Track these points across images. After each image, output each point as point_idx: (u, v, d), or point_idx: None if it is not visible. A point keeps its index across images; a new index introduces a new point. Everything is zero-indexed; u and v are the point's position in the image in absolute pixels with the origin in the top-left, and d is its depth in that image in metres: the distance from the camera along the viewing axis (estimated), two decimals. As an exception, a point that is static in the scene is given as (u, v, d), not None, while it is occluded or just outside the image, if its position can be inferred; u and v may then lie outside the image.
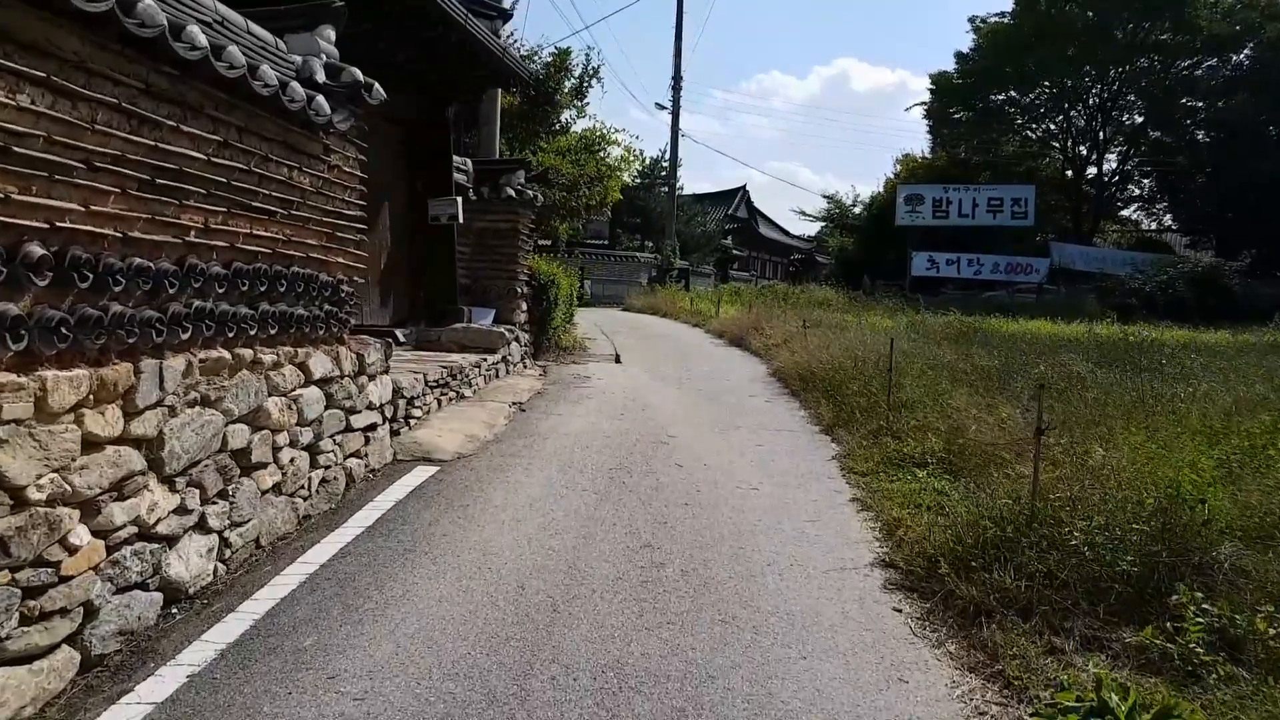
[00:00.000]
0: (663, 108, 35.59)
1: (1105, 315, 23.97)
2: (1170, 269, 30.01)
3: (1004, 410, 6.97)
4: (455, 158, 10.50)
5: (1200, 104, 38.45)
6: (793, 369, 10.81)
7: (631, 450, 6.88)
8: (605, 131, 17.85)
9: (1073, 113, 41.34)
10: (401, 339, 6.38)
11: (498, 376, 9.62)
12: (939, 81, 42.47)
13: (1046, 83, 40.24)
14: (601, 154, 17.62)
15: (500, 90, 12.66)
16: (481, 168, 11.02)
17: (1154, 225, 44.61)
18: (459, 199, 9.84)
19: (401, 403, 6.64)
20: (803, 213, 46.70)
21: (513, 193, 10.72)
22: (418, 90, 9.40)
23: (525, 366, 10.88)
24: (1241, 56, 37.55)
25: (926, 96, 44.38)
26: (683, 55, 34.17)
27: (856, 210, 45.54)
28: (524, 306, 11.21)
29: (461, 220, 9.89)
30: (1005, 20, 39.88)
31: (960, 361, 9.60)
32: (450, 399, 7.91)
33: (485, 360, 9.32)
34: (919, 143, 65.97)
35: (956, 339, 12.51)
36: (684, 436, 7.52)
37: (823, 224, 49.70)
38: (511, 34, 15.55)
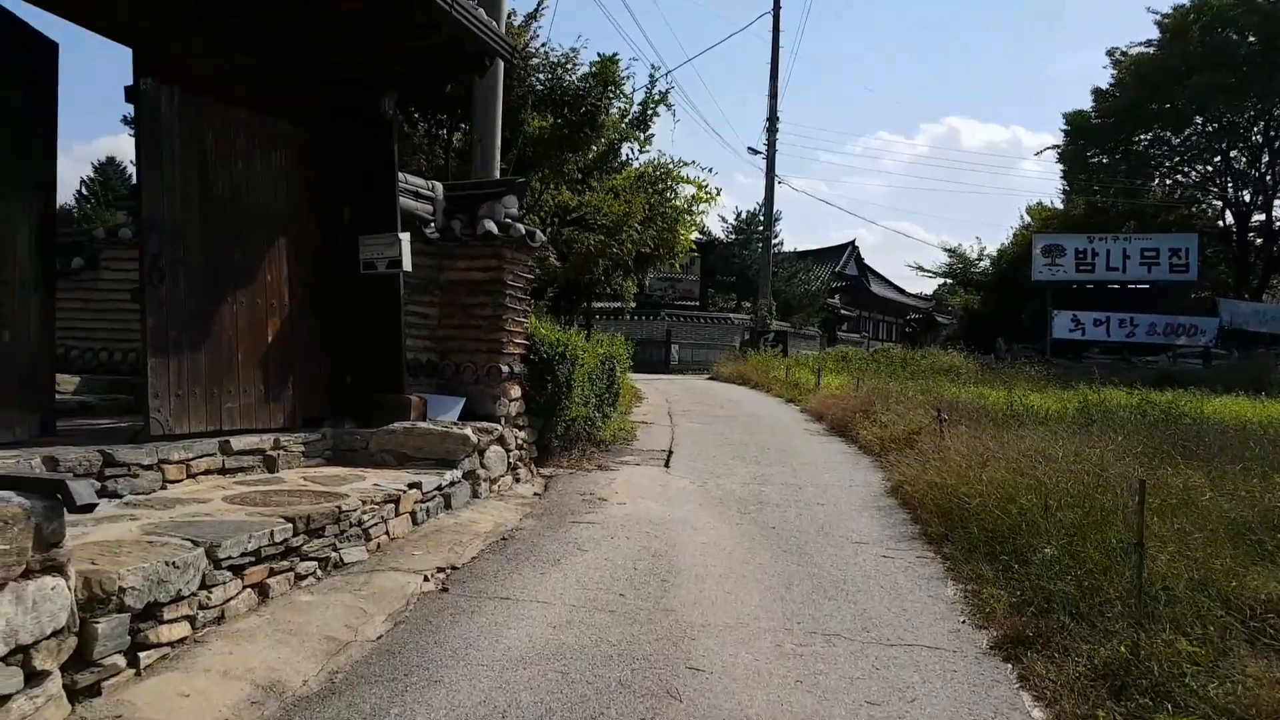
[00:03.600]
0: (756, 152, 32.08)
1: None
2: (1381, 330, 24.41)
3: None
4: (409, 178, 7.27)
5: (1397, 136, 32.47)
6: (926, 490, 6.92)
7: (595, 725, 3.22)
8: (671, 166, 14.50)
9: (1232, 153, 35.89)
10: (82, 498, 2.94)
11: (448, 507, 6.12)
12: (1074, 122, 37.78)
13: (1200, 120, 35.05)
14: (667, 192, 14.25)
15: (500, 94, 9.46)
16: (454, 194, 7.74)
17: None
18: (405, 236, 6.53)
19: (110, 626, 3.19)
20: (920, 268, 42.43)
21: (494, 228, 7.35)
22: (325, 73, 6.20)
23: (515, 480, 7.37)
24: None
25: (1044, 149, 39.71)
26: (778, 96, 30.85)
27: (982, 265, 40.80)
28: (514, 392, 7.73)
29: (408, 266, 6.56)
30: (1150, 50, 34.96)
31: (1219, 493, 5.55)
32: (303, 577, 4.43)
33: (426, 482, 5.84)
34: (1041, 197, 60.74)
35: (1169, 434, 8.31)
36: (720, 667, 3.81)
37: (943, 280, 45.11)
38: (534, 33, 12.48)
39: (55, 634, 2.97)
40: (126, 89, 5.08)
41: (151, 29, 5.00)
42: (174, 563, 3.53)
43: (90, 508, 3.06)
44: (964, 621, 4.56)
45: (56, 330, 9.17)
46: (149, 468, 4.81)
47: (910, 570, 5.52)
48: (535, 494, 7.26)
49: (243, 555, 3.97)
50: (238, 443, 5.52)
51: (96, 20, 4.76)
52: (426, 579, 4.82)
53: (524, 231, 7.48)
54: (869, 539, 6.27)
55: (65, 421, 6.03)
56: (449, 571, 5.02)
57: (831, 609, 4.70)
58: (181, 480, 5.07)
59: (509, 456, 7.20)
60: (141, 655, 3.35)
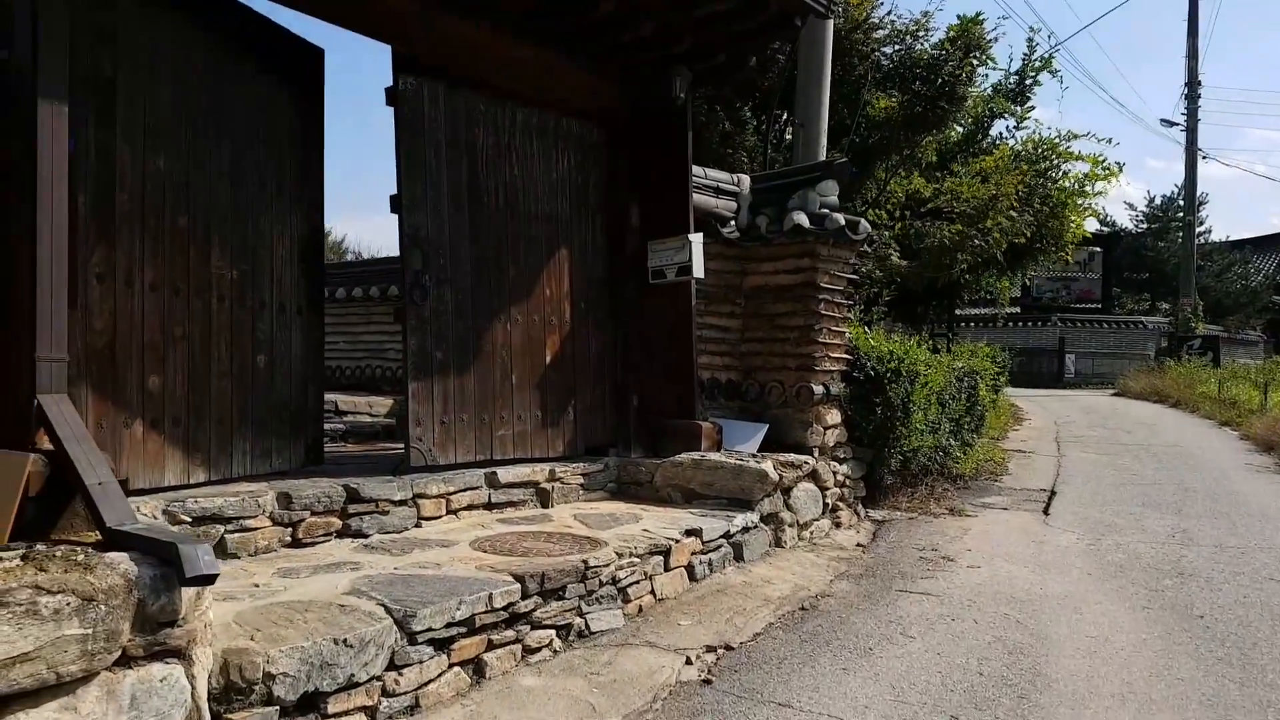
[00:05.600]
0: (1171, 124, 26.75)
1: None
2: None
3: None
4: (709, 172, 6.38)
5: None
6: None
7: None
8: (1056, 140, 11.99)
9: None
10: (195, 567, 2.36)
11: (738, 559, 5.04)
12: None
13: None
14: (1051, 171, 11.81)
15: (827, 70, 8.13)
16: (761, 186, 6.64)
17: None
18: (696, 238, 5.62)
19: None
20: None
21: (804, 220, 6.12)
22: (606, 56, 5.47)
23: (835, 525, 6.08)
24: None
25: None
26: (1199, 56, 25.38)
27: None
28: (831, 418, 6.38)
29: (700, 273, 5.63)
30: None
31: None
32: (534, 651, 3.63)
33: (709, 528, 4.83)
34: None
35: None
36: None
37: None
38: (879, 1, 10.79)
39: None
40: (387, 90, 4.78)
41: (412, 21, 4.63)
42: (345, 640, 2.88)
43: (206, 579, 2.47)
44: None
45: (394, 352, 9.82)
46: (400, 504, 4.39)
47: None
48: (858, 544, 5.90)
49: (448, 626, 3.25)
50: (505, 474, 4.97)
51: (351, 16, 4.47)
52: (689, 661, 3.78)
53: (842, 222, 6.16)
54: (1377, 657, 4.01)
55: (366, 446, 6.04)
56: (720, 652, 3.94)
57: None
58: (439, 517, 4.61)
59: (824, 496, 5.93)
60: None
